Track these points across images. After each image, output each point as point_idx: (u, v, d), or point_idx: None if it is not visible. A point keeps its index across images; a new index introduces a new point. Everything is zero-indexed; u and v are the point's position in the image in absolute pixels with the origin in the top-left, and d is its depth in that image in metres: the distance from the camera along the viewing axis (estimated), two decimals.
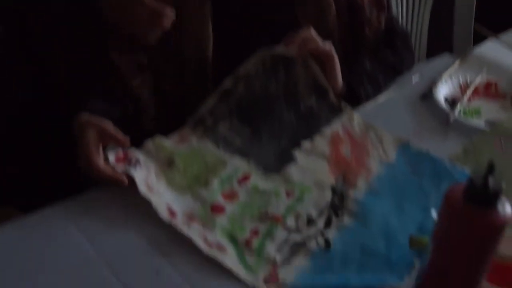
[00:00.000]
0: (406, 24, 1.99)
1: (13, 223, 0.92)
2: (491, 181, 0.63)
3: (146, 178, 0.98)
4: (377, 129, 1.18)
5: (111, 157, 0.99)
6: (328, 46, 1.18)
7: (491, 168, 0.63)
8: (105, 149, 0.99)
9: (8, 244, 0.88)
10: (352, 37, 1.35)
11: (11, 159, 1.13)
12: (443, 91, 1.33)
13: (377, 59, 1.32)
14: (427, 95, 1.32)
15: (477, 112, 1.29)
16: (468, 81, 1.38)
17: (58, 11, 1.09)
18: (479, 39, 1.64)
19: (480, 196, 0.63)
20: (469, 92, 1.33)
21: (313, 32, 1.17)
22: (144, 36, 1.13)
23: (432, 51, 1.71)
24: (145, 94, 1.19)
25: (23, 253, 0.86)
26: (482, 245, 0.65)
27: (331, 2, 1.31)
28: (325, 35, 1.21)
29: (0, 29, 1.11)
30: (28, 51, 1.16)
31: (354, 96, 1.24)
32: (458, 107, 1.26)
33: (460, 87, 1.37)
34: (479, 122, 1.23)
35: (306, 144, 1.13)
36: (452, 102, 1.30)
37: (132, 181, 0.96)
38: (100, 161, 0.95)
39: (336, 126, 1.18)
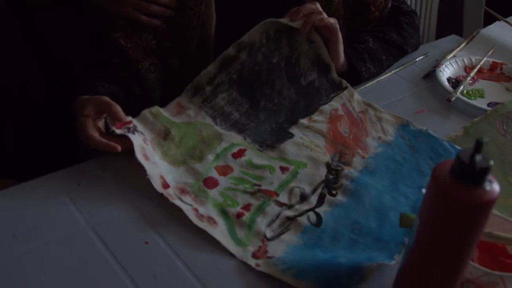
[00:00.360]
0: (415, 5, 1.96)
1: (7, 190, 0.93)
2: (478, 158, 0.62)
3: (143, 147, 0.98)
4: (377, 108, 1.17)
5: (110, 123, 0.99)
6: (332, 20, 1.17)
7: (479, 146, 0.62)
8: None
9: (2, 208, 0.89)
10: (357, 15, 1.33)
11: (15, 135, 1.14)
12: (447, 71, 1.32)
13: (381, 38, 1.31)
14: (430, 75, 1.31)
15: (480, 93, 1.27)
16: (473, 62, 1.36)
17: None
18: (490, 22, 1.61)
19: (467, 173, 0.62)
20: (473, 73, 1.31)
21: (318, 6, 1.16)
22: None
23: (442, 34, 1.68)
24: (152, 77, 1.20)
25: (15, 219, 0.87)
26: (467, 222, 0.64)
27: None
28: (330, 13, 1.20)
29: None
30: (33, 34, 1.17)
31: (356, 74, 1.23)
32: (461, 87, 1.25)
33: (465, 67, 1.35)
34: (481, 103, 1.22)
35: (304, 120, 1.12)
36: (456, 82, 1.29)
37: (125, 151, 0.96)
38: (95, 132, 0.96)
39: (335, 104, 1.17)
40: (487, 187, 0.63)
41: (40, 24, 1.15)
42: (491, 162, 0.63)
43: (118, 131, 0.97)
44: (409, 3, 1.92)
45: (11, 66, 1.15)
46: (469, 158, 0.62)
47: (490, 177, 0.64)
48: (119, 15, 1.16)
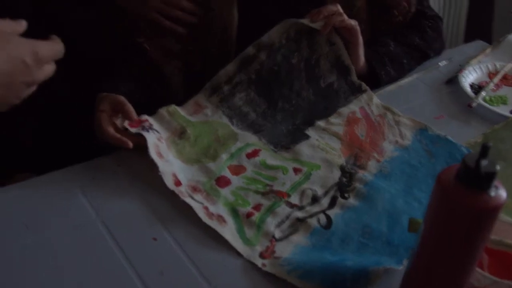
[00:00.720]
0: (444, 10, 1.94)
1: (23, 183, 0.95)
2: (484, 163, 0.61)
3: (157, 145, 0.99)
4: (396, 112, 1.16)
5: (125, 121, 1.00)
6: (353, 22, 1.16)
7: (485, 151, 0.61)
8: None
9: (17, 200, 0.91)
10: (380, 19, 1.32)
11: (32, 127, 1.16)
12: (470, 77, 1.30)
13: (403, 42, 1.29)
14: (453, 80, 1.29)
15: (503, 100, 1.24)
16: (498, 68, 1.33)
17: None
18: None
19: (472, 178, 0.61)
20: (496, 79, 1.29)
21: (339, 7, 1.15)
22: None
23: (470, 39, 1.67)
24: (175, 80, 1.20)
25: (29, 211, 0.89)
26: (472, 228, 0.63)
27: None
28: (352, 16, 1.19)
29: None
30: (56, 30, 1.18)
31: (375, 77, 1.22)
32: (483, 93, 1.23)
33: (489, 74, 1.33)
34: (503, 110, 1.19)
35: (321, 122, 1.11)
36: (478, 88, 1.27)
37: (141, 148, 0.97)
38: (109, 127, 0.97)
39: (354, 107, 1.16)
40: (493, 192, 0.62)
41: (62, 21, 1.17)
42: (497, 168, 0.61)
43: (133, 130, 0.98)
44: (437, 7, 1.90)
45: None
46: (474, 162, 0.61)
47: (496, 183, 0.63)
48: (143, 18, 1.17)
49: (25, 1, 1.11)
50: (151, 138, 0.98)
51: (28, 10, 1.14)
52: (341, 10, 1.15)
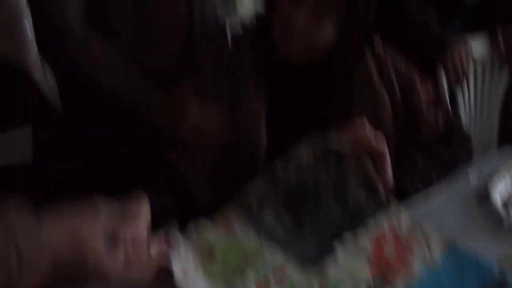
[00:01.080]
0: (475, 113, 1.95)
1: None
2: None
3: (184, 265, 1.01)
4: (425, 228, 1.14)
5: (153, 245, 1.02)
6: (381, 144, 1.18)
7: None
8: None
9: None
10: (407, 135, 1.34)
11: None
12: (500, 188, 1.28)
13: (430, 156, 1.30)
14: (483, 195, 1.27)
15: None
16: None
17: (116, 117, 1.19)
18: None
19: None
20: None
21: (366, 124, 1.18)
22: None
23: (504, 143, 1.67)
24: (203, 194, 1.24)
25: None
26: None
27: (387, 101, 1.32)
28: (379, 129, 1.22)
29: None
30: (88, 145, 1.24)
31: (403, 192, 1.22)
32: None
33: None
34: None
35: (348, 238, 1.11)
36: (509, 200, 1.25)
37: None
38: None
39: (381, 222, 1.16)
40: None
41: (93, 128, 1.23)
42: None
43: (161, 259, 0.99)
44: (467, 113, 1.92)
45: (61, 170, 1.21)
46: None
47: None
48: (176, 138, 1.22)
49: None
50: (177, 263, 1.00)
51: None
52: (369, 132, 1.17)
